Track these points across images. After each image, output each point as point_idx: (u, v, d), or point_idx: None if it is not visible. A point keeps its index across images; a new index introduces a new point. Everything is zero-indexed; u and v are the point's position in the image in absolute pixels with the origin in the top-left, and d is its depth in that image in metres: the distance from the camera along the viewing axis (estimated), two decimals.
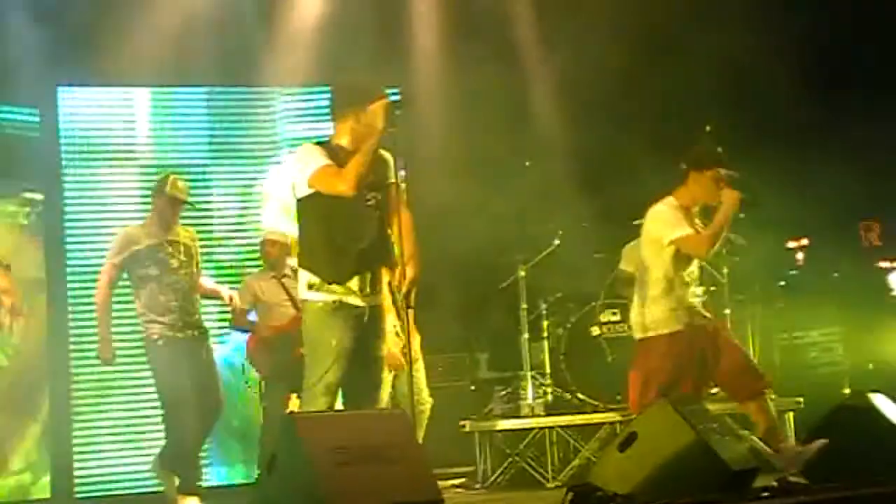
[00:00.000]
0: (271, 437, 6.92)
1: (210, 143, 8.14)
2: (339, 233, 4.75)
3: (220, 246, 8.02)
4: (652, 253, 5.40)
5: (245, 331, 7.23)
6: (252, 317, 7.13)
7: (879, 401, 5.27)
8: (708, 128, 7.47)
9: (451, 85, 8.09)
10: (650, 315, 5.37)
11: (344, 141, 4.84)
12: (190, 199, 6.60)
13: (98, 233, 7.62)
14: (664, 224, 5.35)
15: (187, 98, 8.14)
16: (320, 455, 3.63)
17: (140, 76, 7.67)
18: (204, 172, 8.07)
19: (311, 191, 4.76)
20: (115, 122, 7.95)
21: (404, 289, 4.72)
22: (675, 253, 5.33)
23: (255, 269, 7.46)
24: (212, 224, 8.00)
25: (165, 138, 8.06)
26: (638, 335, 5.49)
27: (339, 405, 4.92)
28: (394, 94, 4.93)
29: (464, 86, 8.00)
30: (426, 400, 6.34)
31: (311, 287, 4.77)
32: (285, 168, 5.02)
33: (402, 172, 7.62)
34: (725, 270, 7.31)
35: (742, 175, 5.38)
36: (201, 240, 6.88)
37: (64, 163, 7.79)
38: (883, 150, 7.61)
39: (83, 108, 7.90)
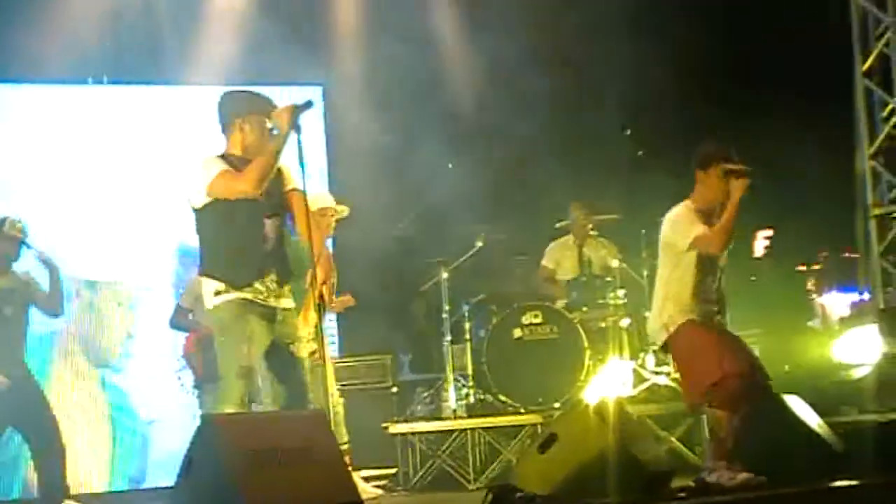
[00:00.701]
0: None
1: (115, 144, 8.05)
2: (240, 237, 4.73)
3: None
4: (670, 260, 5.17)
5: (184, 329, 7.19)
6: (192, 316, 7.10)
7: (794, 403, 5.36)
8: (627, 131, 7.56)
9: (374, 83, 8.06)
10: (667, 312, 5.13)
11: (236, 151, 4.82)
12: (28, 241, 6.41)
13: None
14: (678, 228, 5.12)
15: (89, 96, 8.02)
16: (237, 457, 3.58)
17: (43, 72, 7.55)
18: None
19: (209, 199, 4.72)
20: None
21: (316, 290, 4.69)
22: (699, 258, 5.11)
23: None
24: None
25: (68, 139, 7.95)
26: (661, 340, 5.20)
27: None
28: (318, 84, 4.87)
29: (387, 84, 7.99)
30: (338, 401, 6.32)
31: (217, 293, 4.73)
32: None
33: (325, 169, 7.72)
34: (646, 273, 7.38)
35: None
36: None
37: None
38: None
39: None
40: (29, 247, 6.38)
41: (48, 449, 6.35)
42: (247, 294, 4.70)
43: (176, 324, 7.21)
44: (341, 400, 6.38)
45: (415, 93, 7.82)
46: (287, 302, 4.83)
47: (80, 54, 7.44)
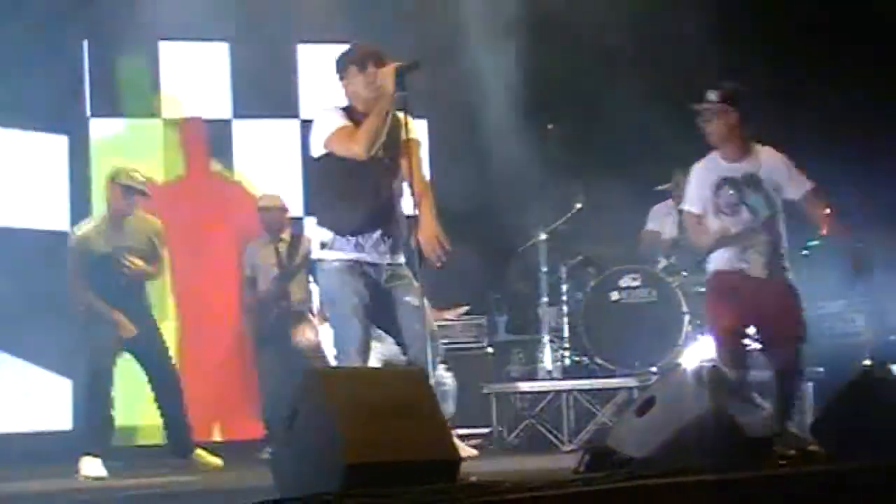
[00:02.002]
0: (269, 396, 7.00)
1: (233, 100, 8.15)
2: (353, 189, 4.77)
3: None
4: None
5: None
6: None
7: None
8: (550, 126, 7.47)
9: (471, 45, 8.02)
10: None
11: (354, 102, 4.86)
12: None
13: None
14: None
15: (210, 53, 8.12)
16: (341, 410, 3.62)
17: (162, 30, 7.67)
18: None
19: (325, 151, 4.80)
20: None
21: (423, 247, 4.72)
22: None
23: None
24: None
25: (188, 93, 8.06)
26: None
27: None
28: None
29: (485, 46, 7.94)
30: (446, 375, 6.27)
31: (323, 246, 4.80)
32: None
33: (424, 130, 7.74)
34: None
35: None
36: None
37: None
38: None
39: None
40: (145, 195, 6.46)
41: (173, 398, 6.52)
42: (352, 254, 4.75)
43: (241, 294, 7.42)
44: (450, 374, 6.35)
45: (514, 54, 7.76)
46: (398, 257, 4.87)
47: None
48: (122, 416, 6.62)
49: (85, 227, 6.43)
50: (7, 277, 6.54)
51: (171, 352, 6.72)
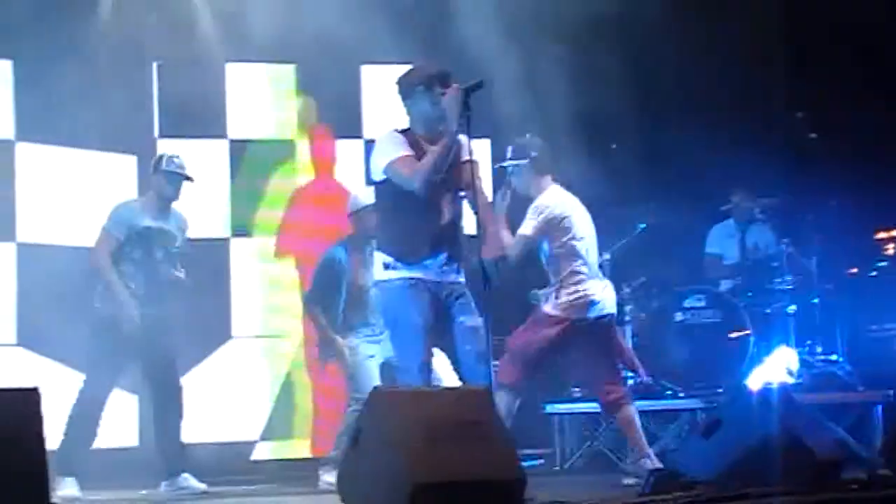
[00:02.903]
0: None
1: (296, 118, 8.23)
2: (413, 214, 4.79)
3: None
4: None
5: None
6: None
7: None
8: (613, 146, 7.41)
9: (529, 68, 8.02)
10: None
11: (419, 128, 4.87)
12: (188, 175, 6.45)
13: None
14: None
15: (275, 73, 8.22)
16: (406, 429, 3.64)
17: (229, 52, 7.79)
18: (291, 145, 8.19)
19: (385, 177, 4.83)
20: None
21: (487, 267, 4.73)
22: None
23: None
24: None
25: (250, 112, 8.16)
26: None
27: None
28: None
29: (542, 68, 7.94)
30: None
31: (386, 267, 4.82)
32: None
33: (487, 149, 7.75)
34: (815, 259, 7.18)
35: None
36: None
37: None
38: None
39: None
40: (189, 179, 6.46)
41: (172, 412, 6.37)
42: (416, 273, 4.77)
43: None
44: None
45: (573, 76, 7.76)
46: (458, 277, 4.88)
47: None
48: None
49: (130, 201, 6.49)
50: (79, 297, 6.62)
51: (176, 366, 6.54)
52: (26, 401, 2.80)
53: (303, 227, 8.09)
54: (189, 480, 6.26)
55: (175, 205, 6.46)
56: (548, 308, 5.75)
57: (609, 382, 5.75)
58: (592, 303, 5.71)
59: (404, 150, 4.80)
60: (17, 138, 7.42)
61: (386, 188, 4.89)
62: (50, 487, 4.34)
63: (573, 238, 5.76)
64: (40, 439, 2.77)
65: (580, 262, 5.76)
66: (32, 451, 2.74)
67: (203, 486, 6.25)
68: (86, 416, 6.14)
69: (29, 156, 7.47)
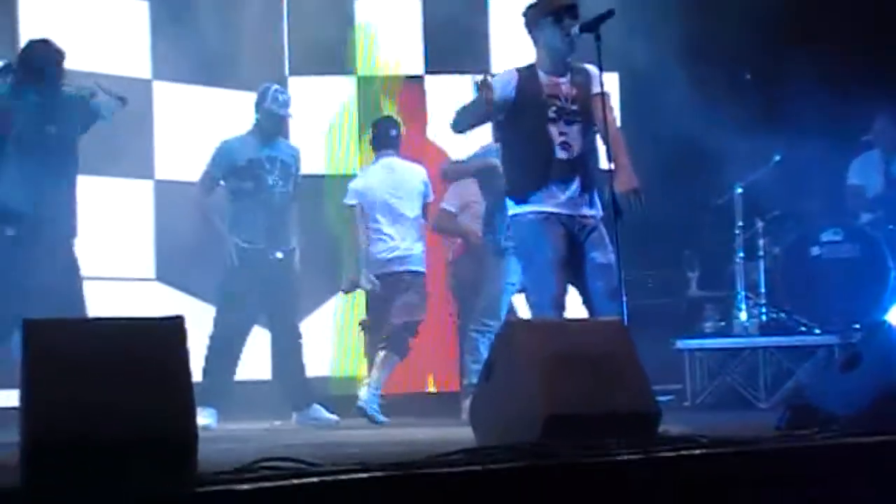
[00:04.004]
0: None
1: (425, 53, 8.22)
2: (539, 146, 4.76)
3: None
4: None
5: (450, 233, 6.93)
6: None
7: None
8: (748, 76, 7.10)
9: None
10: None
11: (546, 62, 4.88)
12: (290, 113, 6.50)
13: None
14: None
15: (403, 8, 8.21)
16: (539, 362, 3.64)
17: None
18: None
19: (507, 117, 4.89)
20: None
21: (619, 201, 4.69)
22: None
23: None
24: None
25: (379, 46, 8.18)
26: None
27: None
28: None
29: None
30: None
31: (517, 203, 4.82)
32: None
33: (615, 83, 7.63)
34: None
35: None
36: None
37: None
38: None
39: None
40: (290, 116, 6.50)
41: (294, 352, 6.51)
42: (547, 206, 4.75)
43: (440, 227, 6.95)
44: None
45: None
46: (593, 210, 4.85)
47: None
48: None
49: (231, 139, 6.55)
50: (213, 232, 6.77)
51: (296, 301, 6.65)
52: (171, 329, 2.88)
53: None
54: (321, 412, 6.40)
55: (295, 140, 6.56)
56: None
57: None
58: None
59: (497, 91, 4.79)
60: (154, 77, 7.59)
61: (508, 122, 4.88)
62: None
63: None
64: (186, 367, 2.85)
65: None
66: (178, 379, 2.82)
67: (335, 417, 6.38)
68: (222, 349, 6.30)
69: (165, 95, 7.64)
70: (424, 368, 7.97)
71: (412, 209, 6.70)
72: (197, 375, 5.97)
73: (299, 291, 6.73)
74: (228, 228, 6.38)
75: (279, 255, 6.40)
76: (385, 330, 6.62)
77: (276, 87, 6.60)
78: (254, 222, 6.35)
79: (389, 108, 8.19)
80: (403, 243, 6.65)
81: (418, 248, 6.70)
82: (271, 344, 6.74)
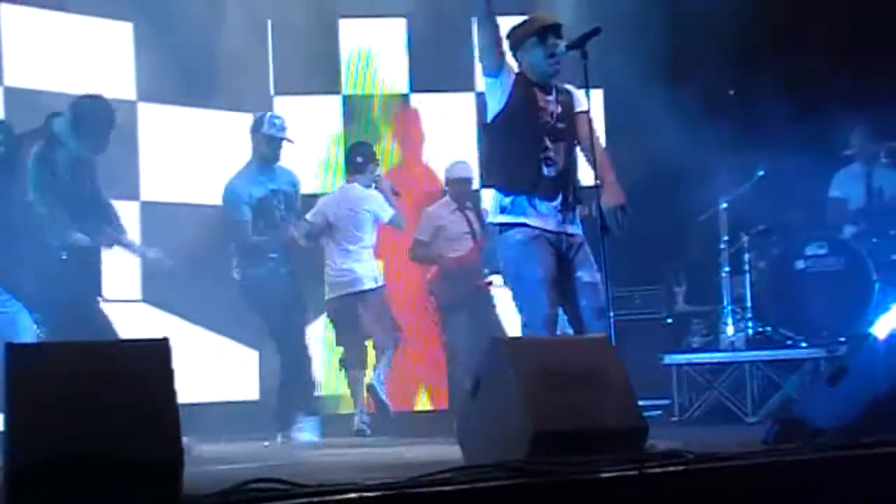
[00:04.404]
0: (454, 366, 7.08)
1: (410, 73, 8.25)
2: (527, 154, 4.78)
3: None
4: None
5: (424, 262, 7.40)
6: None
7: None
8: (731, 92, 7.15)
9: (649, 11, 7.88)
10: None
11: (534, 76, 4.85)
12: (287, 136, 6.58)
13: None
14: None
15: (388, 29, 8.24)
16: (526, 379, 3.64)
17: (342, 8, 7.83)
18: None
19: (501, 114, 4.86)
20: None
21: (608, 216, 4.70)
22: None
23: None
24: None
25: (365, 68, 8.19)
26: None
27: None
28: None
29: (663, 10, 7.80)
30: None
31: (502, 211, 4.81)
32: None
33: (599, 100, 7.65)
34: None
35: None
36: None
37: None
38: None
39: None
40: (290, 141, 6.56)
41: (297, 372, 6.58)
42: (533, 220, 4.75)
43: (415, 256, 7.37)
44: None
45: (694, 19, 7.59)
46: (575, 228, 4.85)
47: None
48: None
49: (234, 178, 6.60)
50: (200, 253, 6.77)
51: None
52: (157, 350, 2.88)
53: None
54: (304, 432, 6.41)
55: (285, 162, 6.59)
56: None
57: None
58: None
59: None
60: (139, 99, 7.59)
61: (501, 127, 4.88)
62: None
63: None
64: (171, 388, 2.84)
65: None
66: (164, 400, 2.82)
67: (316, 438, 6.39)
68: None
69: (150, 116, 7.64)
70: (415, 386, 7.98)
71: (365, 232, 7.03)
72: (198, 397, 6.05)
73: (300, 307, 6.81)
74: (237, 261, 6.55)
75: (282, 270, 6.54)
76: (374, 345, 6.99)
77: (270, 113, 6.67)
78: (263, 255, 6.51)
79: (380, 127, 8.22)
80: (357, 265, 6.96)
81: (370, 268, 7.04)
82: (281, 360, 6.76)
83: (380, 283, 7.10)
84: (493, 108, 4.88)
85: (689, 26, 7.63)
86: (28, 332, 5.38)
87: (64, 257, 5.57)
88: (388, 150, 8.22)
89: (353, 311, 6.99)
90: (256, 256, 6.49)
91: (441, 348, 7.51)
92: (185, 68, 7.25)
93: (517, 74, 4.89)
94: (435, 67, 8.16)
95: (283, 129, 6.53)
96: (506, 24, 4.99)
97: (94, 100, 5.71)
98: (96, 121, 5.65)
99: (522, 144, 4.80)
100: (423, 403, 8.11)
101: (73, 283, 5.52)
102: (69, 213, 5.61)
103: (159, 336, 2.98)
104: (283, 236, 6.58)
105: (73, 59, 7.13)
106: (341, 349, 7.14)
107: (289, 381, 6.60)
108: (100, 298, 5.80)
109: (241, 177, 6.57)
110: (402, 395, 7.71)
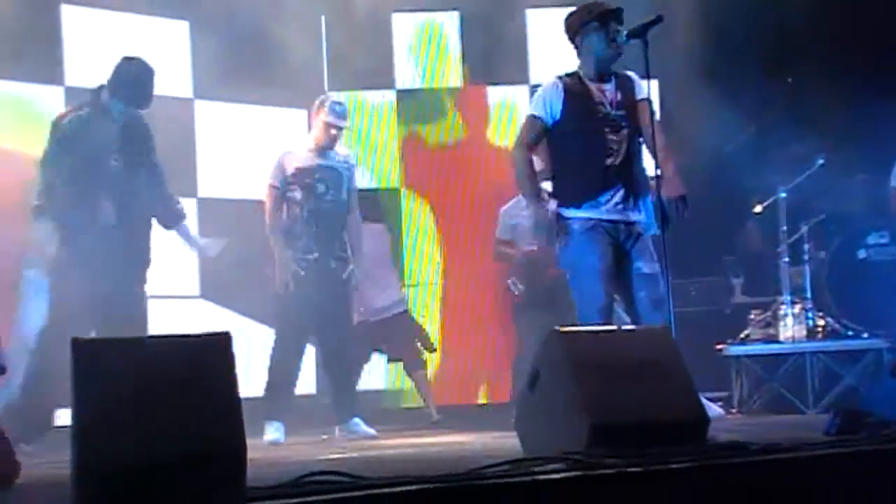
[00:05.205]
0: (521, 360, 7.05)
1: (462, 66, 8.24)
2: (583, 152, 4.75)
3: None
4: None
5: (506, 261, 7.30)
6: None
7: None
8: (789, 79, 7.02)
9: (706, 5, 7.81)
10: None
11: (590, 69, 4.86)
12: (346, 125, 6.47)
13: None
14: None
15: (438, 22, 8.24)
16: (584, 370, 3.62)
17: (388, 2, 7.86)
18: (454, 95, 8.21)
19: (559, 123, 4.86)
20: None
21: (669, 206, 4.68)
22: None
23: None
24: None
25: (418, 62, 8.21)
26: None
27: None
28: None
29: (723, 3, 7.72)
30: None
31: (560, 207, 4.81)
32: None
33: (655, 90, 7.59)
34: None
35: None
36: None
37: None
38: None
39: None
40: (347, 128, 6.49)
41: (342, 361, 6.48)
42: (591, 213, 4.74)
43: (497, 255, 7.34)
44: None
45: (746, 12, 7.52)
46: (636, 215, 4.83)
47: None
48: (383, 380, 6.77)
49: (287, 151, 6.50)
50: (255, 249, 6.81)
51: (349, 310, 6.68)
52: (218, 345, 2.89)
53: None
54: (360, 425, 6.41)
55: (342, 147, 6.56)
56: None
57: None
58: None
59: (540, 112, 4.87)
60: (195, 96, 7.66)
61: (556, 130, 4.88)
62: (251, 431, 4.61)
63: None
64: (234, 383, 2.86)
65: None
66: (227, 395, 2.84)
67: (373, 431, 6.38)
68: (283, 364, 6.32)
69: (206, 113, 7.71)
70: (477, 379, 7.99)
71: None
72: (255, 391, 6.08)
73: (353, 303, 6.72)
74: (283, 240, 6.35)
75: (332, 264, 6.36)
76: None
77: (333, 97, 6.60)
78: (305, 232, 6.31)
79: (435, 120, 8.22)
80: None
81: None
82: (321, 355, 6.74)
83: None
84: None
85: (747, 14, 7.54)
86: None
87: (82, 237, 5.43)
88: (444, 143, 8.22)
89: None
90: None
91: (508, 343, 7.51)
92: (241, 65, 7.31)
93: (566, 78, 4.86)
94: (489, 60, 8.14)
95: (343, 116, 6.45)
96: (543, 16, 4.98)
97: (131, 59, 5.73)
98: (135, 73, 5.67)
99: (577, 147, 4.78)
100: (483, 397, 8.12)
101: (103, 265, 5.40)
102: (108, 188, 5.53)
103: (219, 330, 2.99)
104: (323, 212, 6.32)
105: None
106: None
107: (329, 377, 6.61)
108: (138, 285, 5.71)
109: (292, 150, 6.48)
110: (465, 389, 7.73)
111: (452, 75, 8.29)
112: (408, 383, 7.60)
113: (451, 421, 6.88)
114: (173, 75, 7.50)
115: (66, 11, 7.11)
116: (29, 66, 6.52)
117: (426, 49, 8.25)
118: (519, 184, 5.01)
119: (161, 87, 7.03)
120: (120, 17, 7.30)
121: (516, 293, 7.19)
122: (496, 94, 8.26)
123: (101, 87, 5.71)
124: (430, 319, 8.06)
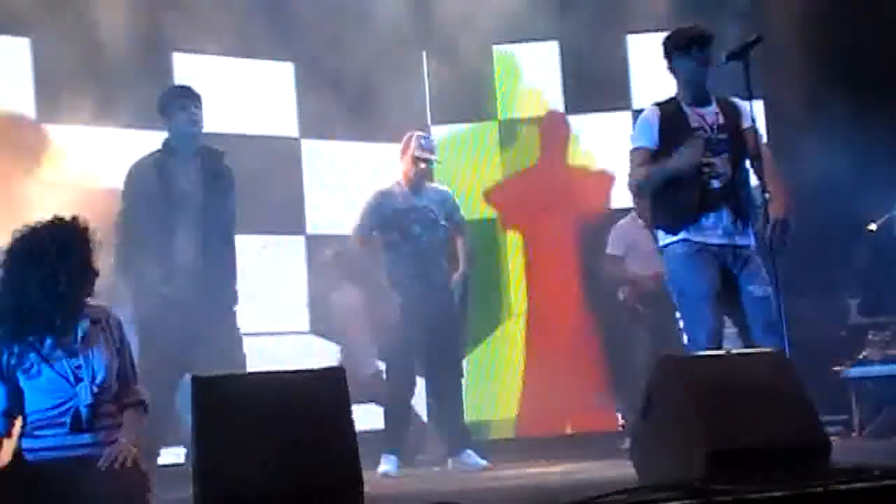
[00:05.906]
0: (632, 384, 6.93)
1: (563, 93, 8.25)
2: (689, 175, 4.72)
3: None
4: None
5: (617, 278, 6.97)
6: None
7: None
8: None
9: (809, 24, 7.69)
10: None
11: (687, 93, 4.85)
12: (435, 158, 6.50)
13: None
14: None
15: (537, 53, 8.27)
16: (698, 396, 3.58)
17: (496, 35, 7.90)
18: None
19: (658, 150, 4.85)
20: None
21: (770, 230, 4.62)
22: None
23: None
24: None
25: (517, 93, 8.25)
26: None
27: None
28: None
29: (825, 22, 7.59)
30: None
31: (667, 232, 4.78)
32: None
33: (760, 110, 7.50)
34: None
35: None
36: None
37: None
38: None
39: None
40: (438, 162, 6.54)
41: (450, 382, 6.47)
42: (697, 236, 4.70)
43: (608, 271, 7.02)
44: None
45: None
46: (745, 239, 4.77)
47: None
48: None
49: (381, 190, 6.58)
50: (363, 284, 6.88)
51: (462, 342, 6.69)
52: (333, 379, 2.94)
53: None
54: (472, 457, 6.40)
55: (440, 184, 6.60)
56: None
57: None
58: None
59: (644, 142, 4.83)
60: (301, 135, 7.80)
61: (655, 156, 4.86)
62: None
63: None
64: (349, 416, 2.90)
65: None
66: (343, 428, 2.87)
67: (484, 463, 6.37)
68: (397, 397, 6.39)
69: (313, 152, 7.84)
70: (563, 410, 7.89)
71: None
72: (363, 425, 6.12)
73: (459, 330, 6.72)
74: (385, 279, 6.44)
75: (434, 296, 6.39)
76: None
77: (419, 133, 6.67)
78: (406, 273, 6.39)
79: (538, 150, 8.24)
80: None
81: None
82: (430, 386, 6.76)
83: None
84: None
85: (853, 29, 7.40)
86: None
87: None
88: (547, 169, 8.22)
89: None
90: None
91: (593, 373, 7.40)
92: (344, 103, 7.41)
93: (663, 104, 4.86)
94: (590, 88, 8.13)
95: (430, 150, 6.52)
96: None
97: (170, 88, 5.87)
98: (161, 103, 5.72)
99: (679, 179, 4.75)
100: (576, 427, 8.00)
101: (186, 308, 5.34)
102: (181, 227, 5.50)
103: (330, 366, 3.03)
104: (421, 252, 6.39)
105: (239, 100, 7.38)
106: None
107: (437, 408, 6.62)
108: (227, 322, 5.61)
109: (387, 190, 6.56)
110: (551, 420, 7.67)
111: (554, 104, 8.29)
112: (514, 412, 7.52)
113: (545, 451, 6.82)
114: (280, 116, 7.65)
115: (178, 58, 7.30)
116: (141, 112, 6.70)
117: (526, 79, 8.26)
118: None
119: (268, 128, 7.20)
120: (228, 61, 7.47)
121: (638, 311, 6.90)
122: (596, 122, 8.23)
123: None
124: (518, 351, 8.01)
